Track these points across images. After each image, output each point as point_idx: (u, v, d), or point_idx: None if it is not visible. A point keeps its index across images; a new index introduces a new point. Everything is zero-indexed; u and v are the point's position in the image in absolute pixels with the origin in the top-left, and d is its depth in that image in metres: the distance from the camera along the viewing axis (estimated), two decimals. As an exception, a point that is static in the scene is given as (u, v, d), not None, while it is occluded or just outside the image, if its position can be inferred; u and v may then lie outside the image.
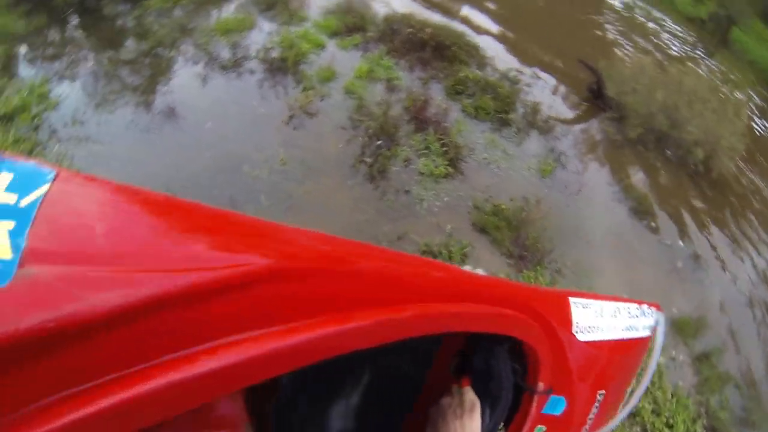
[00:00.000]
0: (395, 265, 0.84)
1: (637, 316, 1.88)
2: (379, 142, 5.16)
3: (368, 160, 5.00)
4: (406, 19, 7.44)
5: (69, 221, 0.52)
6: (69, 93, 5.79)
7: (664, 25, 12.58)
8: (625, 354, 1.81)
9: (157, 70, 6.31)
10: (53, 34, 7.28)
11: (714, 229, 6.41)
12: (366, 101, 5.69)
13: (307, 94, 5.66)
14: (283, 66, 6.14)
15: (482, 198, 5.05)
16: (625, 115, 7.26)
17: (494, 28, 8.73)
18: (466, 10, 9.04)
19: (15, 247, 0.46)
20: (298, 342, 0.59)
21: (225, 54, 6.36)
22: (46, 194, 0.52)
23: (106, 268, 0.48)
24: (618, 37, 10.25)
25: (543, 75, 7.67)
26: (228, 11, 7.57)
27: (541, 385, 1.25)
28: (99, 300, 0.45)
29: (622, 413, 1.83)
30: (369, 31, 7.05)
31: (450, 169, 5.17)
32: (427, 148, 5.26)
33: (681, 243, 5.92)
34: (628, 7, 12.54)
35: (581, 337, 1.48)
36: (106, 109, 5.57)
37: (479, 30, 8.37)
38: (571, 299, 1.51)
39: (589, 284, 4.72)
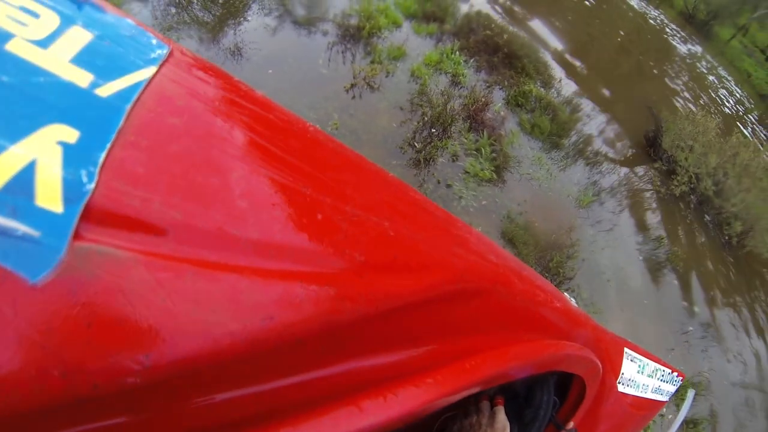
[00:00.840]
0: (535, 290, 0.80)
1: (666, 381, 1.93)
2: (432, 131, 5.20)
3: (417, 145, 5.04)
4: (485, 21, 7.46)
5: (183, 151, 0.30)
6: (139, 11, 5.87)
7: (733, 93, 12.40)
8: (644, 413, 1.82)
9: (229, 11, 6.38)
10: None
11: (730, 304, 6.36)
12: (429, 88, 5.72)
13: (374, 67, 5.70)
14: (356, 34, 6.19)
15: (517, 210, 5.08)
16: (673, 170, 7.19)
17: (567, 53, 8.69)
18: (538, 26, 9.03)
19: (72, 187, 0.25)
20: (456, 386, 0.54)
21: (300, 11, 6.43)
22: (147, 84, 0.31)
23: (244, 260, 0.29)
24: (679, 86, 10.13)
25: (603, 110, 7.63)
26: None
27: (571, 425, 1.21)
28: (234, 327, 0.27)
29: None
30: (446, 23, 7.06)
31: (494, 175, 5.20)
32: (477, 149, 5.29)
33: (696, 309, 5.89)
34: (695, 58, 12.38)
35: (620, 388, 1.50)
36: (172, 35, 5.65)
37: (551, 50, 8.36)
38: (626, 350, 1.55)
39: (602, 322, 4.75)
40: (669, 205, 6.84)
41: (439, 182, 4.89)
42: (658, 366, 1.82)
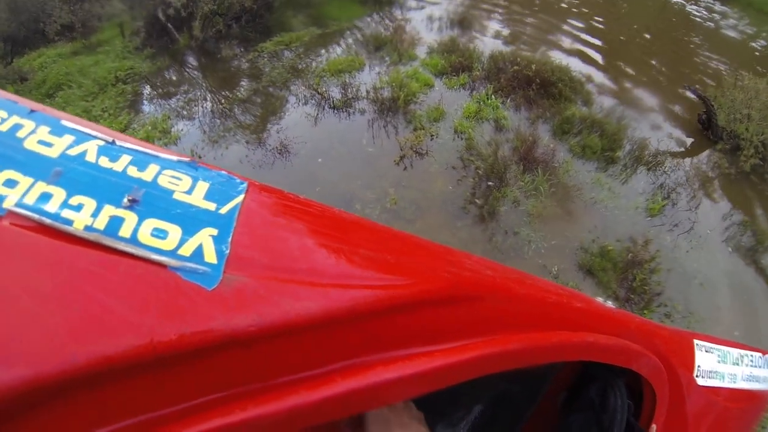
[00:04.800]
0: (543, 294, 0.90)
1: (760, 366, 1.83)
2: (489, 183, 5.47)
3: (479, 201, 5.33)
4: (511, 57, 7.70)
5: (264, 232, 0.58)
6: (188, 129, 6.61)
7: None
8: (743, 405, 1.74)
9: (269, 109, 7.06)
10: (174, 75, 8.31)
11: None
12: (475, 141, 6.03)
13: (418, 134, 6.10)
14: (393, 105, 6.64)
15: (589, 239, 5.19)
16: (738, 145, 6.97)
17: (598, 60, 8.73)
18: (568, 44, 9.15)
19: (219, 253, 0.51)
20: (465, 359, 0.67)
21: (335, 94, 6.95)
22: (242, 204, 0.59)
23: (303, 279, 0.55)
24: (716, 57, 9.76)
25: (649, 108, 7.58)
26: (336, 53, 8.22)
27: (654, 428, 1.22)
28: (300, 308, 0.51)
29: None
30: (475, 70, 7.38)
31: (558, 210, 5.35)
32: (535, 189, 5.49)
33: None
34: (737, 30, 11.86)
35: (701, 381, 1.46)
36: (222, 145, 6.33)
37: (583, 62, 8.46)
38: (696, 341, 1.51)
39: (701, 330, 4.68)
40: (744, 183, 6.62)
41: (506, 232, 5.13)
42: (743, 352, 1.75)
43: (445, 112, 6.49)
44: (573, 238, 5.18)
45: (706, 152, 7.06)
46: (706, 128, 7.40)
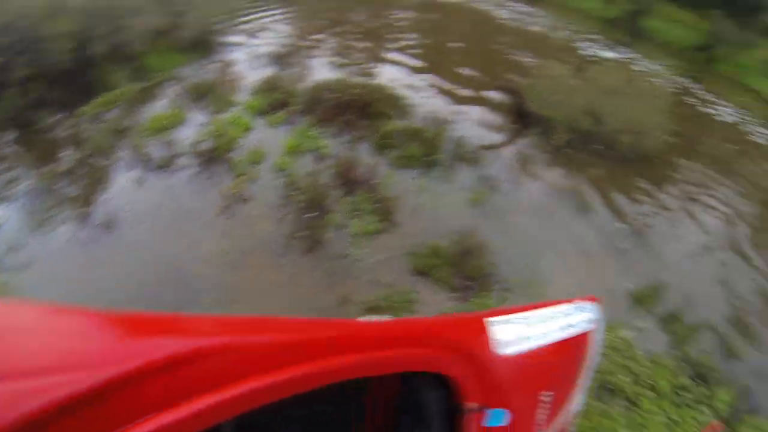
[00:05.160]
0: (284, 335, 1.03)
1: (572, 314, 2.01)
2: (310, 215, 5.34)
3: (301, 234, 5.16)
4: (332, 85, 7.75)
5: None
6: (9, 215, 5.93)
7: (578, 33, 13.28)
8: (566, 352, 1.91)
9: (93, 179, 6.45)
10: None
11: (650, 202, 6.81)
12: (296, 176, 5.88)
13: (239, 181, 5.86)
14: (214, 156, 6.35)
15: (418, 243, 5.17)
16: (550, 126, 7.53)
17: (415, 73, 9.15)
18: (390, 64, 9.52)
19: None
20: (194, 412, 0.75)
21: (158, 153, 6.56)
22: None
23: (31, 379, 0.61)
24: (535, 56, 10.71)
25: (467, 109, 7.98)
26: (160, 106, 7.84)
27: (473, 405, 1.35)
28: (25, 407, 0.57)
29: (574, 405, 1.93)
30: (293, 105, 7.34)
31: (383, 224, 5.33)
32: (357, 209, 5.42)
33: (623, 224, 6.22)
34: (542, 26, 13.24)
35: (509, 350, 1.59)
36: (46, 228, 5.70)
37: (405, 78, 8.81)
38: (488, 320, 1.63)
39: (541, 293, 4.83)
40: (559, 156, 7.14)
41: (334, 258, 4.98)
42: (552, 309, 1.95)
43: (265, 153, 6.29)
44: (402, 246, 5.13)
45: (523, 138, 7.54)
46: (520, 117, 7.95)
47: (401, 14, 12.49)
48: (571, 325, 1.94)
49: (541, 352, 1.74)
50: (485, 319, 1.63)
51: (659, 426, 4.21)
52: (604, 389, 4.37)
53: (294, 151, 6.33)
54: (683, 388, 4.55)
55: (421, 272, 4.92)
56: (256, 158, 6.23)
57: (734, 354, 5.09)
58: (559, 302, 2.04)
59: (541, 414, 1.73)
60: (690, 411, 4.38)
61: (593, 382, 4.04)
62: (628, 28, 14.73)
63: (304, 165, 6.14)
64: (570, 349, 1.93)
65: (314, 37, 10.61)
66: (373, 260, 5.01)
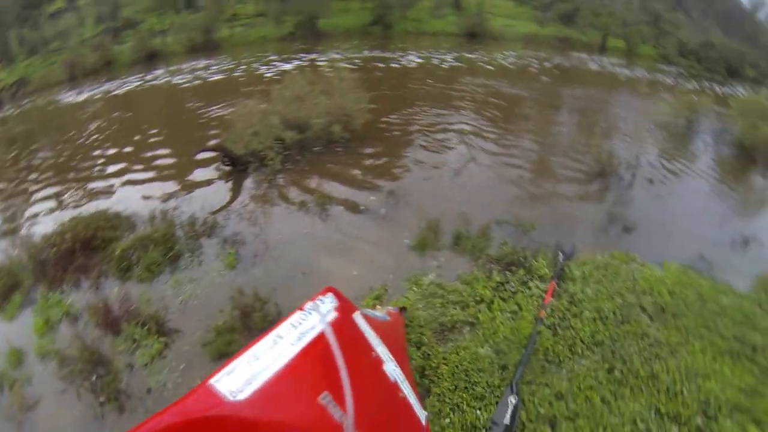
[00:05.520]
0: None
1: (306, 319, 2.12)
2: (98, 376, 5.52)
3: (103, 398, 5.34)
4: (46, 240, 7.57)
5: None
6: None
7: (260, 59, 14.58)
8: (315, 357, 2.02)
9: None
10: None
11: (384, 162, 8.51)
12: (61, 351, 5.85)
13: (15, 393, 5.68)
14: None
15: (203, 333, 5.68)
16: (261, 157, 8.47)
17: (116, 179, 9.41)
18: (90, 180, 9.49)
19: None
20: None
21: None
22: None
23: None
24: (227, 104, 11.58)
25: (182, 186, 8.56)
26: None
27: None
28: None
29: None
30: (21, 280, 7.07)
31: (165, 338, 5.73)
32: (133, 340, 5.74)
33: (374, 195, 7.68)
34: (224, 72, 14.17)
35: (244, 394, 1.68)
36: None
37: (107, 191, 9.03)
38: (211, 382, 1.70)
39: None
40: (285, 179, 8.21)
41: (141, 397, 5.20)
42: (279, 328, 2.04)
43: (21, 349, 5.97)
44: (193, 344, 5.54)
45: (246, 181, 8.39)
46: (234, 165, 8.73)
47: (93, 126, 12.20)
48: (308, 329, 2.06)
49: (287, 369, 1.84)
50: (209, 382, 1.69)
51: (506, 323, 5.03)
52: (443, 331, 5.09)
53: (46, 330, 6.22)
54: (503, 283, 5.69)
55: (220, 355, 5.36)
56: (15, 360, 6.04)
57: (527, 230, 6.67)
58: (288, 316, 2.13)
59: (334, 410, 1.88)
60: (522, 295, 5.44)
61: (431, 332, 4.97)
62: (307, 36, 16.67)
63: (63, 335, 6.10)
64: (318, 351, 2.03)
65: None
66: (174, 375, 5.38)
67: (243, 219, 7.43)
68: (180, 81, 14.02)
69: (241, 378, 1.72)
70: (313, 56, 14.47)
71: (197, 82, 13.63)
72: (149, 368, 5.49)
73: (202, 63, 14.87)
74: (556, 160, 9.68)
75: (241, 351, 1.87)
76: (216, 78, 13.73)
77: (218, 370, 1.75)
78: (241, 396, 1.64)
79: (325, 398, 1.88)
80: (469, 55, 20.67)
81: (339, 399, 1.91)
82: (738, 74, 25.03)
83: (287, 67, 13.63)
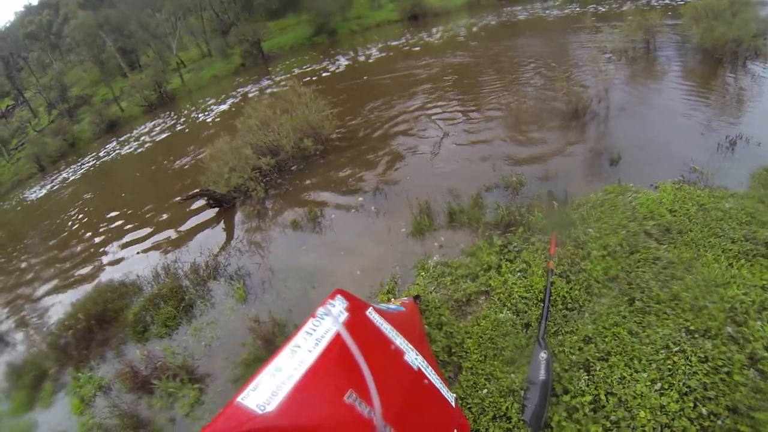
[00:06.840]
0: None
1: (319, 324, 2.17)
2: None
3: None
4: (61, 325, 7.66)
5: None
6: None
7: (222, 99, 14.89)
8: (335, 358, 2.07)
9: None
10: None
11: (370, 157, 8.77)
12: (103, 424, 5.84)
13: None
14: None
15: (231, 369, 5.67)
16: (246, 190, 8.57)
17: (115, 243, 9.46)
18: (89, 260, 9.60)
19: None
20: None
21: None
22: None
23: None
24: (197, 149, 11.69)
25: (179, 239, 8.68)
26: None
27: None
28: None
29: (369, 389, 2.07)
30: (48, 372, 7.15)
31: (197, 385, 5.77)
32: (169, 395, 5.77)
33: (362, 196, 7.80)
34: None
35: (272, 406, 1.74)
36: None
37: (107, 261, 9.05)
38: (239, 399, 1.78)
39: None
40: (277, 204, 8.28)
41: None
42: (296, 337, 2.13)
43: None
44: (224, 383, 5.60)
45: (237, 215, 8.46)
46: (221, 203, 8.80)
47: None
48: (324, 333, 2.12)
49: (308, 376, 1.92)
50: (236, 400, 1.78)
51: (518, 283, 5.05)
52: (460, 307, 5.12)
53: (83, 407, 6.21)
54: (506, 245, 5.70)
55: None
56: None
57: (517, 188, 6.75)
58: (302, 325, 2.19)
59: (361, 407, 1.94)
60: (527, 252, 5.46)
61: (449, 311, 5.00)
62: (257, 62, 17.01)
63: (100, 408, 6.05)
64: (332, 352, 2.09)
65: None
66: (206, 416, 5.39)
67: (243, 253, 7.50)
68: (155, 137, 14.16)
69: (267, 391, 1.79)
70: (266, 81, 14.74)
71: (167, 136, 13.82)
72: (191, 416, 5.53)
73: (168, 122, 15.21)
74: (528, 113, 9.71)
75: (261, 366, 1.94)
76: (178, 128, 13.95)
77: (243, 388, 1.82)
78: (270, 408, 1.71)
79: (350, 396, 1.94)
80: (417, 36, 20.83)
81: (364, 395, 1.97)
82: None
83: (231, 102, 13.98)
